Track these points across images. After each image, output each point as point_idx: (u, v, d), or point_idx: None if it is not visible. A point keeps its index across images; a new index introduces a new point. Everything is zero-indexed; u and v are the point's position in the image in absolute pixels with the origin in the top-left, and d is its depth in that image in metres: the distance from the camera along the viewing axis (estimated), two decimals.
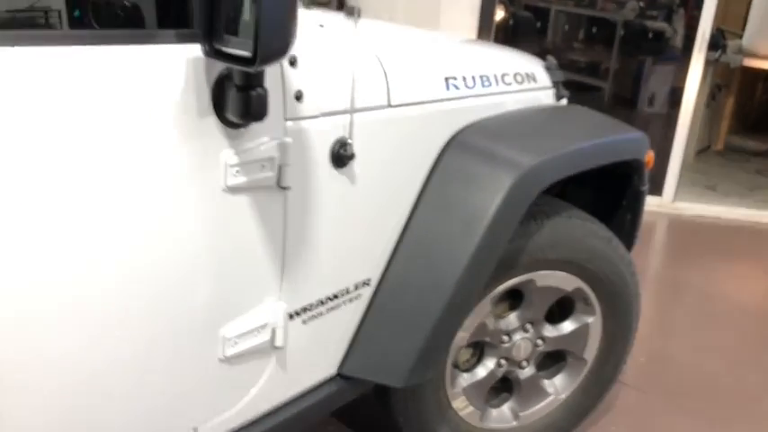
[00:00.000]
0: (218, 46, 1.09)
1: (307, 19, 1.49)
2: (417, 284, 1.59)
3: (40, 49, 0.97)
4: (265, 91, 1.13)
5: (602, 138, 1.89)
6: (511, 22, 4.99)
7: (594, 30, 5.72)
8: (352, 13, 1.40)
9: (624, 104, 5.61)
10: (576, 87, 5.34)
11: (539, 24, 5.42)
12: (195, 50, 1.12)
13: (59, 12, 1.24)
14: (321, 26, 1.53)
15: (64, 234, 1.03)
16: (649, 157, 2.04)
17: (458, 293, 1.56)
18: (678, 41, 5.24)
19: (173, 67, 1.11)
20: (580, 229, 1.86)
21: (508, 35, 4.81)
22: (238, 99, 1.12)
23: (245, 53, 1.01)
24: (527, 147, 1.68)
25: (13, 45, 0.93)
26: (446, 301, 1.56)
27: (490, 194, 1.58)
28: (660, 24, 5.38)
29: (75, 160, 1.02)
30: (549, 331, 1.98)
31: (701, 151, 6.09)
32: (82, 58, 1.01)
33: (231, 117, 1.16)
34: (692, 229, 4.53)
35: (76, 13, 1.18)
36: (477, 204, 1.58)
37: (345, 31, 1.54)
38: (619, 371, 2.12)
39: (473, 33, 3.74)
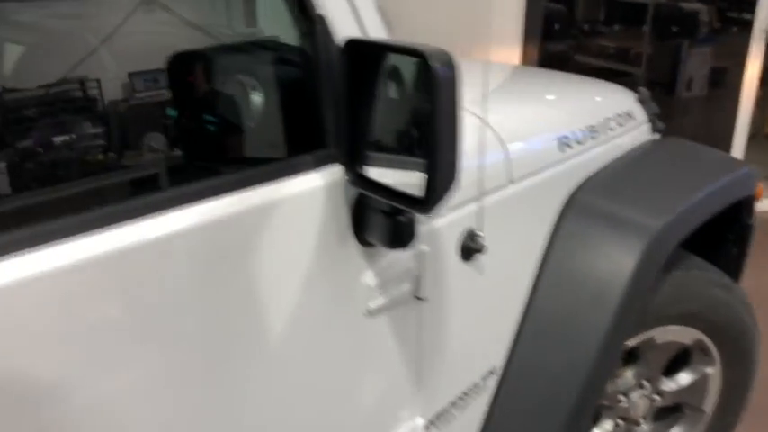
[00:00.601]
0: (363, 173, 0.95)
1: None
2: (546, 368, 1.46)
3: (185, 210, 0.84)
4: (413, 216, 0.99)
5: (716, 181, 1.75)
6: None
7: (625, 14, 5.53)
8: None
9: (660, 90, 5.43)
10: (607, 74, 5.17)
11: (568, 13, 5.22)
12: (334, 173, 0.99)
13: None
14: None
15: (221, 359, 0.91)
16: (759, 189, 1.90)
17: (593, 376, 1.44)
18: (716, 23, 5.05)
19: (310, 197, 0.98)
20: (700, 279, 1.73)
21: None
22: (383, 226, 0.99)
23: (413, 194, 0.87)
24: (651, 205, 1.54)
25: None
26: (581, 386, 1.43)
27: (620, 263, 1.45)
28: (695, 6, 5.17)
29: (235, 293, 0.91)
30: (667, 385, 1.85)
31: (751, 137, 5.89)
32: (231, 205, 0.88)
33: (374, 242, 1.02)
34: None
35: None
36: (606, 275, 1.45)
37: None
38: (739, 418, 1.99)
39: (517, 40, 3.57)
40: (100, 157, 1.63)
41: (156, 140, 1.54)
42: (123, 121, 1.89)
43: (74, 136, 1.73)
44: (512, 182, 1.36)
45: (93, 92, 1.75)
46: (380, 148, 0.95)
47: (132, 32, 1.56)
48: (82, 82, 1.79)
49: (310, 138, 0.99)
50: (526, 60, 3.61)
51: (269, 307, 0.97)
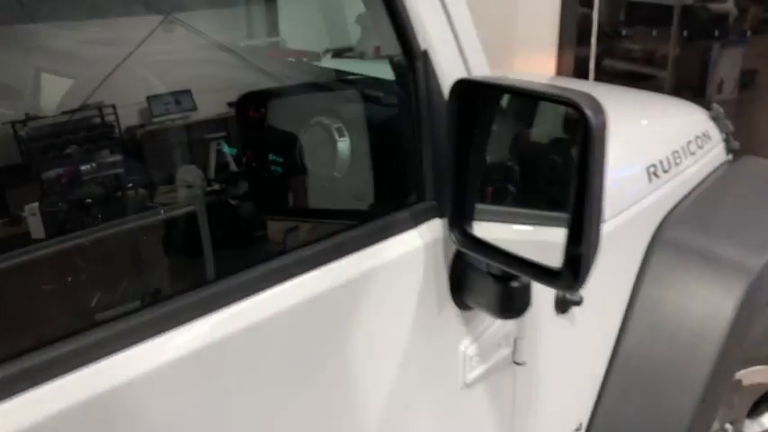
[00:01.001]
0: (471, 230, 0.82)
1: None
2: (637, 424, 1.32)
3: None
4: (528, 281, 0.85)
5: None
6: None
7: (650, 16, 5.37)
8: None
9: (688, 93, 5.28)
10: (631, 77, 5.02)
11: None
12: (434, 229, 0.85)
13: None
14: None
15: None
16: None
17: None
18: (747, 23, 4.90)
19: (407, 258, 0.84)
20: None
21: None
22: (494, 292, 0.85)
23: (550, 265, 0.73)
24: (746, 239, 1.40)
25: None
26: None
27: (718, 307, 1.31)
28: (725, 6, 5.02)
29: (331, 366, 0.78)
30: (751, 428, 1.71)
31: None
32: (322, 280, 0.74)
33: (478, 308, 0.89)
34: None
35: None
36: (702, 320, 1.31)
37: None
38: None
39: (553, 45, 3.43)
40: (131, 192, 1.50)
41: (191, 175, 1.41)
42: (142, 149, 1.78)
43: (94, 165, 1.61)
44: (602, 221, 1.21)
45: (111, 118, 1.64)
46: (493, 200, 0.81)
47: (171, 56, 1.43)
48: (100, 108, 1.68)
49: (406, 189, 0.86)
50: (562, 66, 3.47)
51: (365, 382, 0.83)
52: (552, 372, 1.16)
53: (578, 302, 1.11)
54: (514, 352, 1.02)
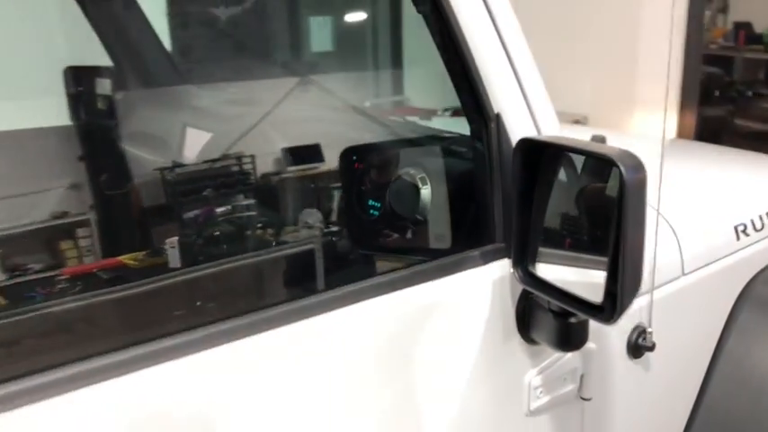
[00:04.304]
0: (533, 270, 0.93)
1: None
2: None
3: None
4: (586, 318, 0.95)
5: None
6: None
7: None
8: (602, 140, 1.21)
9: None
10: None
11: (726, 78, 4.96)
12: (501, 268, 0.97)
13: None
14: None
15: None
16: None
17: None
18: None
19: (477, 292, 0.96)
20: None
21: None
22: (554, 327, 0.95)
23: (592, 300, 0.84)
24: None
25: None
26: None
27: None
28: None
29: (399, 388, 0.91)
30: None
31: None
32: (399, 302, 0.89)
33: (541, 342, 0.99)
34: None
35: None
36: None
37: None
38: None
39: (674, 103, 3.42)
40: (259, 231, 1.70)
41: (312, 217, 1.60)
42: (275, 195, 1.99)
43: (229, 207, 1.83)
44: (684, 273, 1.27)
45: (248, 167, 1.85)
46: (553, 244, 0.92)
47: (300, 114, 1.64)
48: (239, 158, 1.91)
49: (478, 232, 0.98)
50: (683, 126, 3.45)
51: (433, 403, 0.95)
52: (625, 415, 1.22)
53: (650, 348, 1.18)
54: (581, 388, 1.10)
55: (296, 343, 0.81)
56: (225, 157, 1.92)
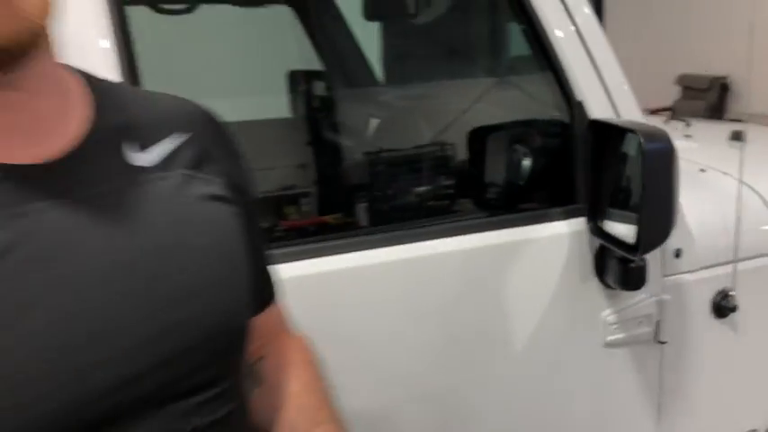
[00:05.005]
0: (601, 225, 1.19)
1: (687, 159, 1.51)
2: None
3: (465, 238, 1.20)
4: (644, 262, 1.19)
5: None
6: None
7: None
8: (738, 138, 1.38)
9: None
10: None
11: None
12: (580, 224, 1.24)
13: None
14: (702, 171, 1.52)
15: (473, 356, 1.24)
16: None
17: None
18: None
19: (560, 240, 1.24)
20: None
21: None
22: (618, 270, 1.21)
23: (628, 240, 1.09)
24: None
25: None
26: None
27: None
28: None
29: (495, 304, 1.23)
30: None
31: None
32: (499, 238, 1.22)
33: (611, 284, 1.24)
34: None
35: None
36: None
37: (728, 171, 1.52)
38: None
39: None
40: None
41: None
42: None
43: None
44: None
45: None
46: (616, 204, 1.18)
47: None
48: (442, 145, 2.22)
49: (566, 194, 1.26)
50: None
51: (519, 320, 1.25)
52: (710, 368, 1.41)
53: (733, 309, 1.36)
54: (656, 332, 1.32)
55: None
56: (422, 145, 2.22)
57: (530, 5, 1.18)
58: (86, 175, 0.58)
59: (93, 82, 0.64)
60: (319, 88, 2.51)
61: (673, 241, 1.31)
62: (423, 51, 2.39)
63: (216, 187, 0.66)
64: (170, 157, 0.64)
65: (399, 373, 1.17)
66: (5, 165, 0.54)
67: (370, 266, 1.13)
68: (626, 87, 1.24)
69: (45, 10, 0.53)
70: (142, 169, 0.61)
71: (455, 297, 1.20)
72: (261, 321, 0.75)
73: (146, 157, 0.62)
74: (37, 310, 0.52)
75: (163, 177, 0.62)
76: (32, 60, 0.54)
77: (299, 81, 2.54)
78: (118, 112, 0.63)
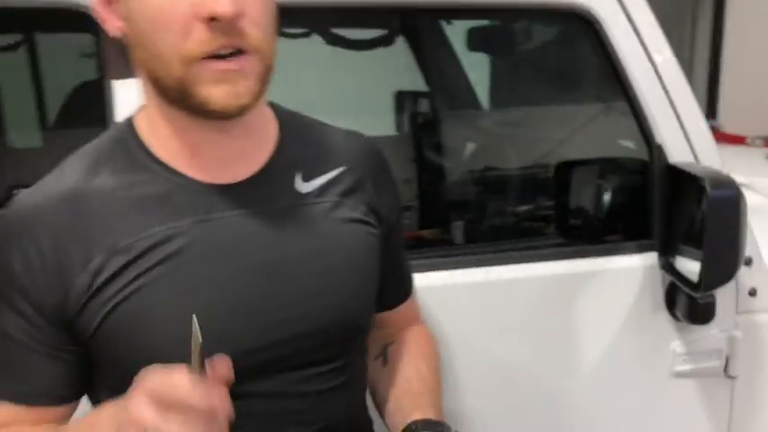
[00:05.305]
0: (672, 260, 1.27)
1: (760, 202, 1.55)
2: None
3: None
4: (713, 298, 1.26)
5: None
6: None
7: None
8: None
9: None
10: None
11: None
12: (654, 258, 1.32)
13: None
14: None
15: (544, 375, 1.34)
16: None
17: None
18: None
19: (634, 272, 1.33)
20: None
21: None
22: (686, 304, 1.28)
23: (692, 278, 1.17)
24: None
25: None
26: None
27: None
28: None
29: (566, 328, 1.33)
30: None
31: None
32: (578, 267, 1.33)
33: (680, 318, 1.31)
34: None
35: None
36: None
37: None
38: None
39: None
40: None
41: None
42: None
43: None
44: None
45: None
46: (685, 242, 1.25)
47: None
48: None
49: (642, 229, 1.35)
50: None
51: (591, 345, 1.34)
52: None
53: None
54: (726, 366, 1.38)
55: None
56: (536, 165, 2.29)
57: (611, 48, 1.27)
58: (260, 195, 0.78)
59: (280, 115, 0.85)
60: (424, 108, 2.67)
61: (748, 280, 1.37)
62: (523, 78, 2.49)
63: (358, 212, 0.84)
64: (327, 186, 0.83)
65: (473, 387, 1.29)
66: (207, 183, 0.76)
67: (454, 285, 1.26)
68: (705, 132, 1.31)
69: (264, 91, 0.74)
70: (304, 195, 0.81)
71: (531, 320, 1.31)
72: (395, 314, 0.98)
73: (308, 186, 0.82)
74: (204, 290, 0.74)
75: (318, 202, 0.82)
76: (247, 114, 0.73)
77: (404, 101, 2.71)
78: (295, 146, 0.83)
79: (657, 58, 1.28)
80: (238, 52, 0.68)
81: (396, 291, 0.99)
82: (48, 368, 0.75)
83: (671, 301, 1.33)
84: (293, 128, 0.85)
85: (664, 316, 1.34)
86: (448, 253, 1.41)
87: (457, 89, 2.56)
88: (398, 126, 2.73)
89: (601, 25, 1.26)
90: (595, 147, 1.77)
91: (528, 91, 2.37)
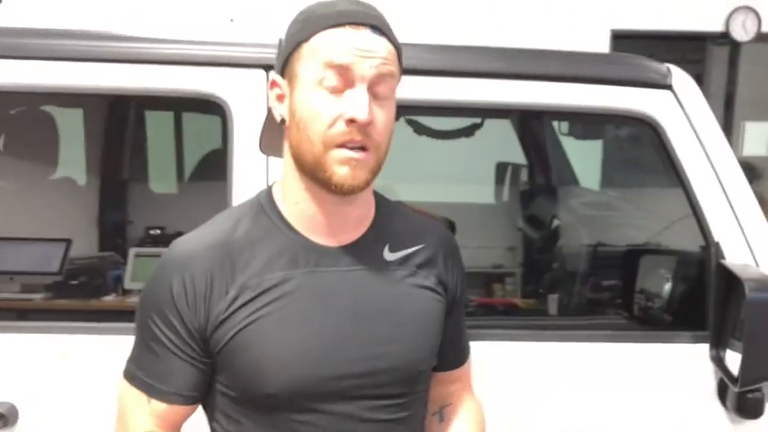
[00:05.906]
0: (722, 353, 1.34)
1: None
2: None
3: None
4: (762, 394, 1.31)
5: None
6: None
7: None
8: None
9: None
10: None
11: None
12: (705, 348, 1.38)
13: None
14: None
15: None
16: None
17: None
18: None
19: (689, 362, 1.39)
20: None
21: None
22: (736, 397, 1.33)
23: (732, 372, 1.24)
24: None
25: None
26: None
27: None
28: None
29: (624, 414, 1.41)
30: None
31: None
32: (627, 352, 1.41)
33: (730, 409, 1.37)
34: None
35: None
36: None
37: None
38: None
39: None
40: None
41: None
42: None
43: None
44: None
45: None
46: (735, 337, 1.31)
47: None
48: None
49: (696, 320, 1.42)
50: None
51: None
52: None
53: None
54: None
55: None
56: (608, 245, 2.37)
57: (672, 151, 1.37)
58: (356, 258, 1.00)
59: (378, 200, 1.07)
60: (522, 180, 2.81)
61: None
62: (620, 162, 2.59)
63: (430, 282, 1.05)
64: (407, 258, 1.04)
65: None
66: (318, 243, 0.99)
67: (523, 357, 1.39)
68: (764, 232, 1.37)
69: (372, 181, 0.97)
70: (389, 262, 1.03)
71: (593, 396, 1.40)
72: (451, 375, 1.16)
73: (393, 256, 1.04)
74: (307, 325, 0.96)
75: (399, 269, 1.03)
76: (357, 194, 0.97)
77: (504, 172, 2.86)
78: (386, 224, 1.05)
79: (717, 161, 1.37)
80: (362, 148, 0.92)
81: (454, 356, 1.16)
82: (185, 372, 0.98)
83: (723, 393, 1.39)
84: (386, 211, 1.07)
85: (716, 406, 1.40)
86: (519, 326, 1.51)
87: (556, 166, 2.69)
88: (497, 195, 2.90)
89: (663, 130, 1.37)
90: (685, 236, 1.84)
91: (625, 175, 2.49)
